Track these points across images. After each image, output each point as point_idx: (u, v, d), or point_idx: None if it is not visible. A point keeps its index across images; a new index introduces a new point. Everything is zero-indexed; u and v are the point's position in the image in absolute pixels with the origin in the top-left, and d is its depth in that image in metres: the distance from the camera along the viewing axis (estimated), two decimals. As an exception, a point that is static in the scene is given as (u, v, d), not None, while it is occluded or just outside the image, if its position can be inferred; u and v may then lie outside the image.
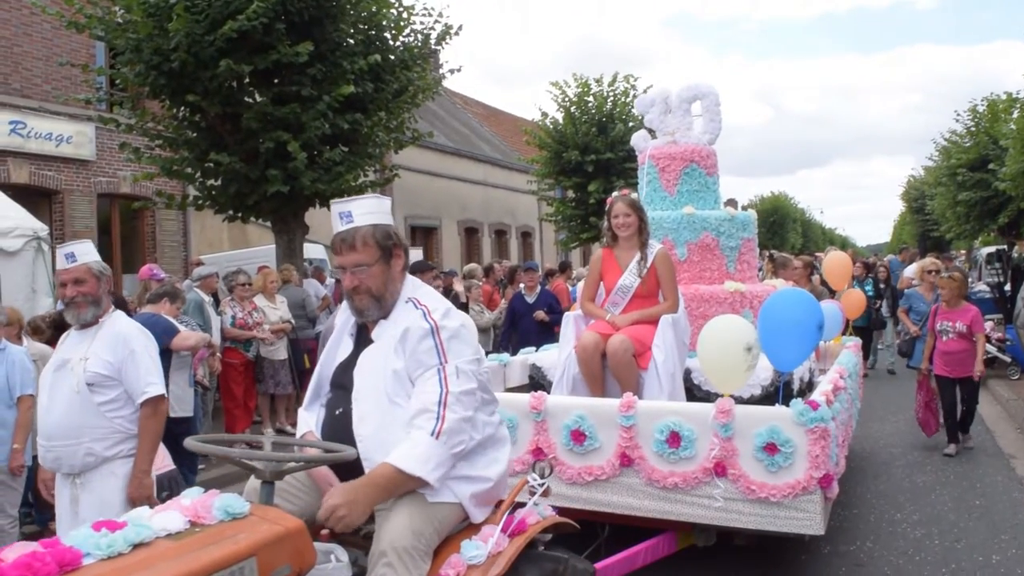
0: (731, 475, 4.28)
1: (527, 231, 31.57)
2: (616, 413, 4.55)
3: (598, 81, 20.93)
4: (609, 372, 5.24)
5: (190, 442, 2.65)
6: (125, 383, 4.01)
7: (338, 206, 2.95)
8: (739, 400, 4.80)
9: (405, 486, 2.67)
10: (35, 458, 5.48)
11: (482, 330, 10.34)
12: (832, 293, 8.77)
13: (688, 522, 4.49)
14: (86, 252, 4.07)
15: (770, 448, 4.21)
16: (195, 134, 10.87)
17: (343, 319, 3.12)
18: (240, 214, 11.25)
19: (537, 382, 6.00)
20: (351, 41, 10.81)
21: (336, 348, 3.10)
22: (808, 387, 5.74)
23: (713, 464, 4.30)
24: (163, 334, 6.44)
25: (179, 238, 16.15)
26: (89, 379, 3.93)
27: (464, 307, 10.46)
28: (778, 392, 4.77)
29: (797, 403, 4.22)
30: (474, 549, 2.77)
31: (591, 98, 20.79)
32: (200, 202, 11.38)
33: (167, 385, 6.43)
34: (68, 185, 14.13)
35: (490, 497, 2.97)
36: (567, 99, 20.97)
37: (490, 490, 2.94)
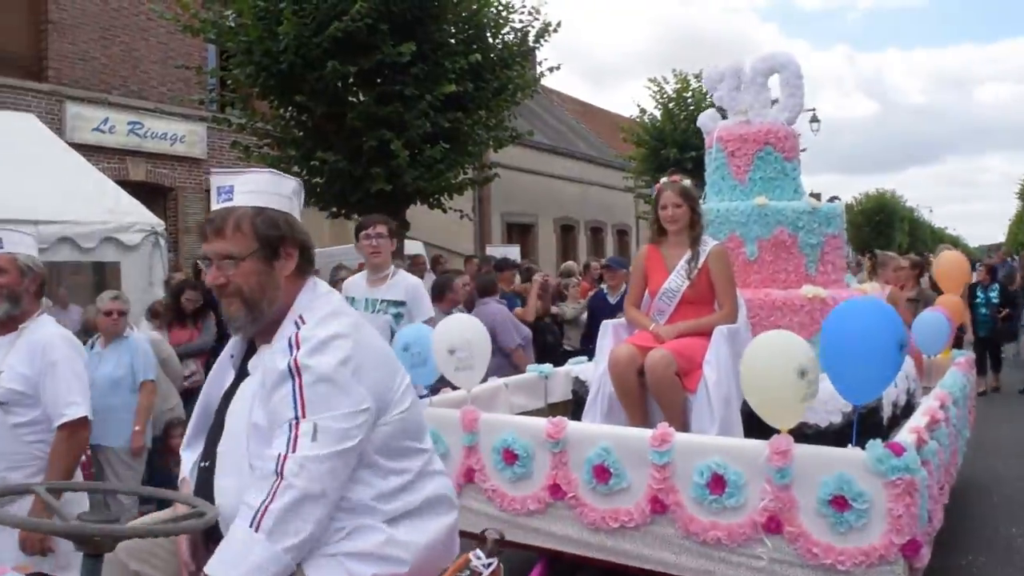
0: (788, 533, 3.43)
1: (623, 229, 31.39)
2: (647, 447, 3.74)
3: (697, 77, 20.63)
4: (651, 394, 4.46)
5: None
6: (43, 401, 3.39)
7: (218, 178, 2.28)
8: (811, 430, 4.11)
9: None
10: (155, 440, 5.82)
11: (568, 321, 10.23)
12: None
13: None
14: (17, 242, 3.49)
15: (838, 503, 3.34)
16: (301, 133, 11.20)
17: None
18: (343, 211, 11.52)
19: (581, 398, 5.15)
20: (452, 40, 10.96)
21: (221, 372, 2.41)
22: (905, 414, 4.78)
23: (765, 518, 3.47)
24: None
25: (283, 234, 16.63)
26: (2, 396, 3.32)
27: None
28: (853, 426, 3.71)
29: (875, 446, 3.32)
30: None
31: (690, 94, 20.51)
32: (305, 199, 11.68)
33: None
34: (181, 182, 14.77)
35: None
36: (665, 95, 20.74)
37: (409, 572, 2.16)
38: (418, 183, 10.63)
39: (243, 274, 2.18)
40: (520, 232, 24.77)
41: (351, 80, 10.47)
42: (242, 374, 2.28)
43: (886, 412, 4.55)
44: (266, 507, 1.94)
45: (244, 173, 2.26)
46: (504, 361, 6.99)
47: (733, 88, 5.85)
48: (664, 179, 4.86)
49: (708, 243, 4.71)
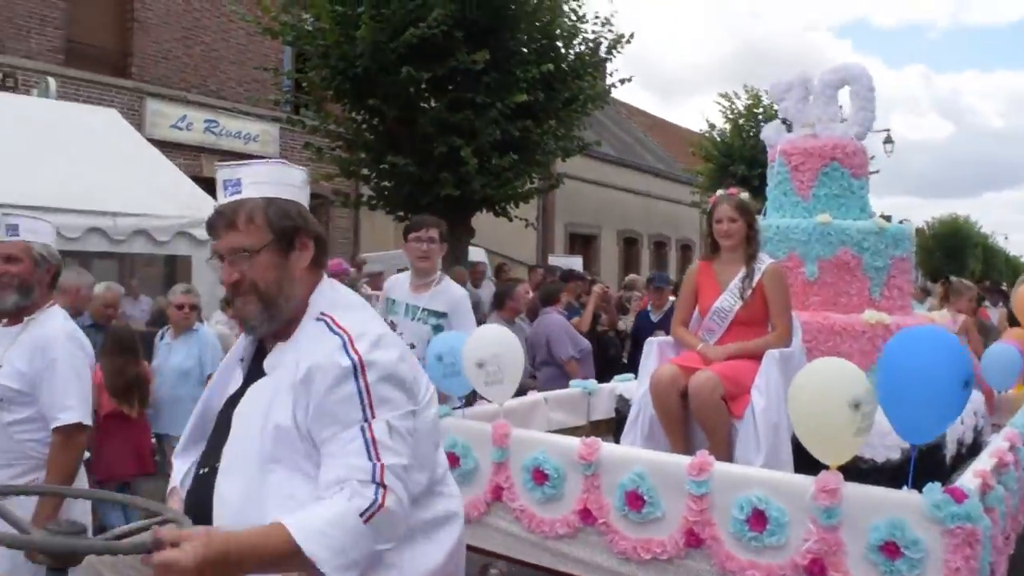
0: None
1: (687, 244, 31.11)
2: (684, 475, 3.50)
3: (768, 93, 20.37)
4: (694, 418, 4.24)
5: None
6: (40, 401, 3.16)
7: (224, 172, 2.12)
8: (867, 465, 3.90)
9: (282, 565, 1.83)
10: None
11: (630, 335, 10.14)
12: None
13: None
14: (34, 230, 3.31)
15: (889, 549, 3.04)
16: (373, 137, 11.37)
17: (243, 337, 2.27)
18: (411, 215, 11.63)
19: (624, 416, 4.87)
20: (525, 50, 11.01)
21: (227, 375, 2.26)
22: (971, 452, 4.44)
23: (807, 560, 3.20)
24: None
25: (350, 235, 16.90)
26: None
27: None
28: (910, 466, 3.33)
29: (932, 490, 3.01)
30: None
31: (761, 110, 20.29)
32: (374, 202, 11.87)
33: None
34: (253, 181, 15.09)
35: None
36: (735, 111, 20.55)
37: None
38: (486, 191, 10.71)
39: (258, 268, 2.04)
40: (583, 243, 24.71)
41: (424, 86, 10.58)
42: (252, 376, 2.13)
43: (950, 450, 4.24)
44: (380, 505, 1.85)
45: (251, 165, 2.13)
46: (558, 372, 6.97)
47: (800, 100, 5.59)
48: (720, 191, 4.63)
49: (764, 261, 4.44)
